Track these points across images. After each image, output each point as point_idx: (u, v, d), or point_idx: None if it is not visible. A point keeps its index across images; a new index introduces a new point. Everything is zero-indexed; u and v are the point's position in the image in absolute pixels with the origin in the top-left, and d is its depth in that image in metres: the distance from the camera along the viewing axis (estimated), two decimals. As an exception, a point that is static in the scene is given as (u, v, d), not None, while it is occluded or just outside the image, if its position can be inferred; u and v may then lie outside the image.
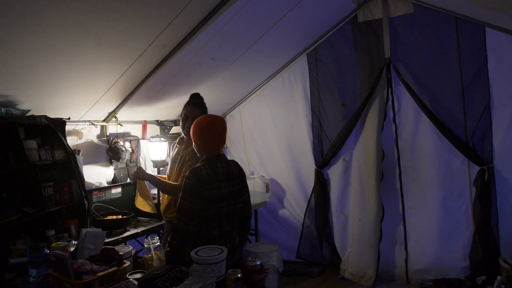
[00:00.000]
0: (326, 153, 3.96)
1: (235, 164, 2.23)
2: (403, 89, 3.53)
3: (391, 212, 3.70)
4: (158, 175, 2.83)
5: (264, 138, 4.45)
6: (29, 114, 2.63)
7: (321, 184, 4.00)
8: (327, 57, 3.89)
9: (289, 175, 4.27)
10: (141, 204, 2.88)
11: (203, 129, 2.12)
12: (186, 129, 2.59)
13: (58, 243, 2.10)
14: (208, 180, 2.03)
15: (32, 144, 2.56)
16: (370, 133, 3.66)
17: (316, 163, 4.03)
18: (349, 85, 3.80)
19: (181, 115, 2.70)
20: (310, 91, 4.03)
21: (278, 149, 4.33)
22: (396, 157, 3.65)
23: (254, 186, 4.15)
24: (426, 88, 3.42)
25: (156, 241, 2.04)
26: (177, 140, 2.74)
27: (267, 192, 4.16)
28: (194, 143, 2.18)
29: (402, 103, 3.61)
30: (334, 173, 3.98)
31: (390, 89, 3.58)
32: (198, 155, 2.22)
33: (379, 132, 3.60)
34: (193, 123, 2.18)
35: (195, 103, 2.65)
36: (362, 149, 3.74)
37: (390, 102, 3.61)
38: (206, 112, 2.62)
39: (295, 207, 4.29)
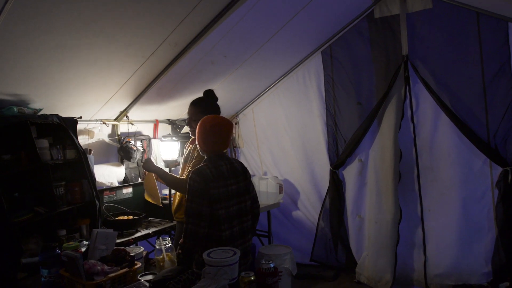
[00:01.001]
0: (341, 153, 3.94)
1: (236, 161, 2.26)
2: (421, 87, 3.48)
3: (409, 214, 3.65)
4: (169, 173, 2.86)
5: (278, 137, 4.44)
6: (41, 113, 2.67)
7: (336, 185, 3.98)
8: (342, 55, 3.86)
9: (303, 176, 4.26)
10: (151, 198, 2.93)
11: (206, 131, 2.13)
12: (190, 128, 2.62)
13: (69, 243, 2.13)
14: (212, 179, 2.04)
15: (44, 143, 2.60)
16: (387, 132, 3.63)
17: (331, 163, 4.00)
18: (365, 83, 3.76)
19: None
20: (325, 90, 4.00)
21: (292, 149, 4.32)
22: (414, 157, 3.60)
23: (267, 186, 4.14)
24: (446, 86, 3.37)
25: (168, 242, 2.04)
26: (190, 140, 2.76)
27: (280, 193, 4.15)
28: (197, 142, 2.20)
29: (421, 102, 3.56)
30: (350, 173, 3.95)
31: (407, 87, 3.54)
32: (201, 154, 2.25)
33: (396, 132, 3.56)
34: (199, 122, 2.19)
35: (193, 102, 2.66)
36: (379, 149, 3.71)
37: (407, 101, 3.57)
38: (205, 110, 2.55)
39: (309, 208, 4.27)
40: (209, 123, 2.14)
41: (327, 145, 4.03)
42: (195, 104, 2.64)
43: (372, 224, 3.75)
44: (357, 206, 3.93)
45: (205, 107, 2.60)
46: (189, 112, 2.64)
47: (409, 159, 3.62)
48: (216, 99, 2.69)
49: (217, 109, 2.69)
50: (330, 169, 4.00)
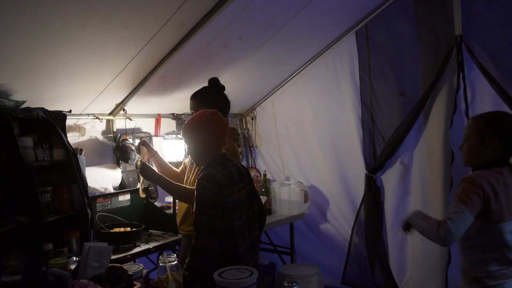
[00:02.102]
0: (379, 154, 3.91)
1: (233, 164, 2.30)
2: (478, 74, 3.40)
3: (462, 229, 3.59)
4: (168, 164, 2.88)
5: (303, 135, 4.43)
6: (24, 106, 2.70)
7: (373, 193, 3.95)
8: (381, 36, 3.82)
9: (333, 181, 4.24)
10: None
11: (211, 121, 2.19)
12: None
13: (57, 259, 2.15)
14: (227, 184, 2.07)
15: (28, 141, 2.63)
16: (435, 129, 3.57)
17: (367, 167, 3.97)
18: (408, 69, 3.72)
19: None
20: (360, 78, 3.97)
21: (320, 149, 4.31)
22: (469, 160, 3.53)
23: (290, 194, 4.13)
24: (509, 72, 3.29)
25: (173, 259, 2.05)
26: None
27: (305, 201, 4.14)
28: (194, 143, 2.22)
29: (477, 92, 3.50)
30: (390, 179, 3.91)
31: (461, 75, 3.47)
32: (198, 160, 2.25)
33: (447, 129, 3.50)
34: (193, 118, 2.25)
35: (195, 94, 2.72)
36: (426, 149, 3.66)
37: (461, 91, 3.50)
38: (212, 102, 2.61)
39: (340, 220, 4.25)
40: (207, 112, 2.23)
41: (362, 144, 4.01)
42: (199, 96, 2.68)
43: (418, 240, 3.70)
44: (398, 219, 3.87)
45: (211, 99, 2.64)
46: (192, 107, 2.66)
47: (463, 161, 3.56)
48: (223, 88, 2.70)
49: (226, 101, 2.71)
50: (366, 174, 3.97)
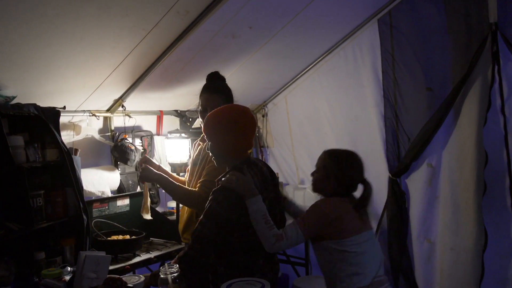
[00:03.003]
0: (404, 155, 3.88)
1: (262, 163, 2.33)
2: (516, 66, 3.39)
3: (497, 239, 3.54)
4: (176, 176, 2.88)
5: (319, 134, 4.43)
6: (14, 102, 2.73)
7: (397, 198, 3.93)
8: (406, 24, 3.79)
9: (353, 185, 4.22)
10: (141, 210, 2.94)
11: (237, 122, 2.16)
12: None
13: (50, 269, 2.17)
14: (261, 190, 2.13)
15: (18, 140, 2.65)
16: (467, 127, 3.55)
17: (390, 169, 3.95)
18: (437, 61, 3.69)
19: (198, 106, 2.74)
20: (382, 71, 3.95)
21: (338, 150, 4.28)
22: (505, 161, 3.50)
23: (305, 199, 4.13)
24: (550, 64, 3.27)
25: (175, 270, 2.06)
26: (200, 138, 2.77)
27: (322, 208, 4.13)
28: (217, 144, 2.20)
29: (515, 86, 3.47)
30: (416, 183, 3.89)
31: (496, 67, 3.44)
32: (220, 163, 2.26)
33: (480, 127, 3.47)
34: (211, 115, 2.22)
35: (214, 88, 2.69)
36: (456, 150, 3.64)
37: (496, 85, 3.47)
38: (231, 99, 2.66)
39: (360, 229, 4.22)
40: (234, 111, 2.20)
41: (384, 144, 3.99)
42: (220, 90, 2.68)
43: (447, 251, 3.69)
44: (425, 227, 3.87)
45: (227, 93, 2.67)
46: (209, 103, 2.63)
47: (498, 164, 3.53)
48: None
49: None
50: (389, 177, 3.96)
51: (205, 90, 2.72)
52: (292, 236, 2.10)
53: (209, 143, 2.23)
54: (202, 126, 2.28)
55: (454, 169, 3.66)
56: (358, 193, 2.33)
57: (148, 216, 2.92)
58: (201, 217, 2.11)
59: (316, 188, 2.34)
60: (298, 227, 2.11)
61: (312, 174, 2.35)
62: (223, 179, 2.14)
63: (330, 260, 2.20)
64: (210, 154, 2.29)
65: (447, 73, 3.65)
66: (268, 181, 2.25)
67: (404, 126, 3.89)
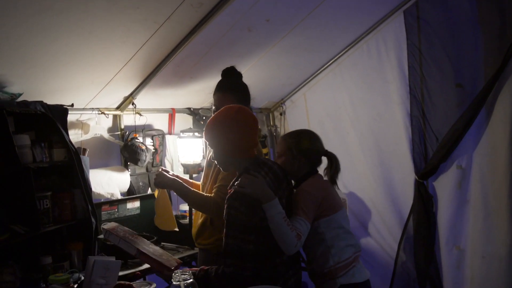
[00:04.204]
0: (431, 156, 3.85)
1: (272, 162, 2.35)
2: (554, 60, 3.35)
3: (533, 246, 3.51)
4: (191, 180, 2.89)
5: (340, 134, 4.42)
6: (20, 99, 2.76)
7: (424, 202, 3.90)
8: (435, 15, 3.76)
9: (376, 188, 4.21)
10: (161, 222, 2.96)
11: (238, 121, 2.20)
12: None
13: (57, 274, 2.19)
14: (275, 191, 2.15)
15: (24, 139, 2.67)
16: (500, 127, 3.51)
17: (417, 171, 3.92)
18: (467, 56, 3.65)
19: (212, 105, 2.75)
20: (409, 66, 3.92)
21: (361, 150, 4.30)
22: (540, 163, 3.47)
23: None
24: None
25: (188, 276, 2.06)
26: None
27: (343, 211, 4.12)
28: (219, 147, 2.23)
29: (553, 82, 3.42)
30: (444, 185, 3.86)
31: (533, 61, 3.41)
32: (225, 167, 2.29)
33: (514, 126, 3.45)
34: (208, 121, 2.26)
35: (227, 86, 2.72)
36: (488, 151, 3.60)
37: (532, 81, 3.44)
38: (246, 98, 2.69)
39: (384, 234, 4.22)
40: (232, 109, 2.24)
41: (411, 144, 3.96)
42: (233, 89, 2.70)
43: (478, 259, 3.65)
44: (454, 233, 3.83)
45: (242, 90, 2.70)
46: (221, 101, 2.65)
47: (534, 165, 3.49)
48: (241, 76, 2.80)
49: (249, 93, 2.78)
50: (416, 179, 3.93)
51: (218, 88, 2.74)
52: (304, 231, 2.20)
53: (212, 149, 2.26)
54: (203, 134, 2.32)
55: (485, 171, 3.62)
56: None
57: (174, 227, 2.98)
58: (224, 230, 2.10)
59: (290, 172, 2.47)
60: (304, 219, 2.22)
61: (277, 161, 2.50)
62: (236, 183, 2.14)
63: (322, 239, 2.35)
64: (216, 162, 2.31)
65: (478, 68, 3.61)
66: (281, 179, 2.27)
67: (431, 125, 3.86)
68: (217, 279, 2.09)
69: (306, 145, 2.49)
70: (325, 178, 2.53)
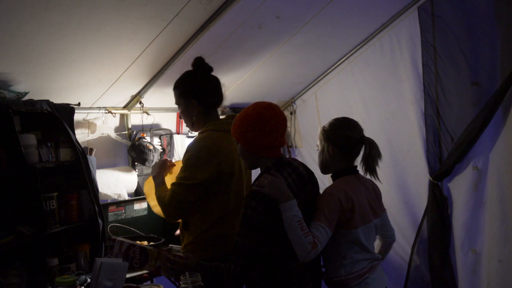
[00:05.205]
0: (446, 157, 3.84)
1: (299, 163, 2.33)
2: None
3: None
4: None
5: (352, 133, 4.39)
6: (26, 98, 2.77)
7: (439, 204, 3.89)
8: (450, 12, 3.75)
9: (389, 189, 4.17)
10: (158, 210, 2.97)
11: (261, 117, 2.15)
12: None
13: (63, 276, 2.20)
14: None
15: (31, 139, 2.69)
16: (517, 127, 3.49)
17: (431, 172, 3.91)
18: (484, 53, 3.64)
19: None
20: (423, 64, 3.91)
21: (373, 150, 4.25)
22: (560, 164, 3.45)
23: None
24: None
25: (198, 279, 2.06)
26: None
27: (355, 213, 4.11)
28: (244, 144, 2.20)
29: None
30: (459, 187, 3.85)
31: (551, 59, 3.39)
32: (251, 165, 2.28)
33: (532, 126, 3.43)
34: (237, 115, 2.23)
35: (174, 84, 2.72)
36: (505, 151, 3.59)
37: (550, 79, 3.41)
38: (189, 94, 2.62)
39: (397, 236, 4.08)
40: (260, 107, 2.18)
41: (425, 145, 3.95)
42: (176, 86, 2.72)
43: (494, 263, 3.64)
44: (470, 236, 3.82)
45: (194, 86, 2.64)
46: (175, 100, 2.73)
47: (552, 166, 3.47)
48: (210, 69, 2.70)
49: (215, 88, 2.70)
50: (430, 180, 3.92)
51: None
52: (324, 239, 2.12)
53: (239, 144, 2.23)
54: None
55: (502, 172, 3.61)
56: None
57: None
58: (239, 229, 2.10)
59: (321, 167, 2.46)
60: (324, 226, 2.14)
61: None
62: (256, 183, 2.13)
63: (337, 246, 2.27)
64: (241, 158, 2.31)
65: (495, 66, 3.59)
66: (306, 181, 2.25)
67: (446, 124, 3.84)
68: (225, 275, 2.09)
69: (336, 132, 2.38)
70: (362, 167, 2.41)
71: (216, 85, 2.69)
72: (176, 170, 2.77)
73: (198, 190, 2.43)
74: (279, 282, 2.11)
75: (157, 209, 2.86)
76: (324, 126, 2.45)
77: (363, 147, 2.41)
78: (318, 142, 2.46)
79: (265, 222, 2.04)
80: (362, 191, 2.38)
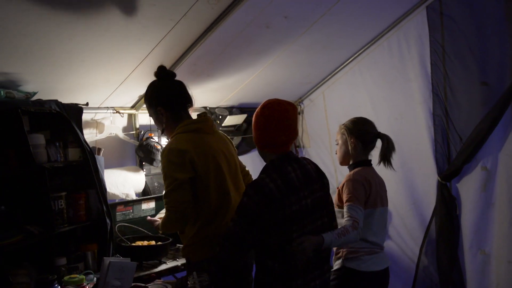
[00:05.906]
0: (455, 157, 3.83)
1: (309, 162, 2.33)
2: None
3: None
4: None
5: (360, 133, 4.39)
6: (35, 98, 2.79)
7: (447, 205, 3.88)
8: (458, 11, 3.74)
9: (397, 190, 4.17)
10: None
11: (262, 116, 2.21)
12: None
13: (71, 276, 2.21)
14: (279, 197, 2.09)
15: (39, 139, 2.71)
16: (527, 127, 3.48)
17: (440, 172, 3.91)
18: (493, 53, 3.63)
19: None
20: (431, 63, 3.90)
21: (381, 151, 4.26)
22: None
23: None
24: None
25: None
26: None
27: (363, 214, 4.12)
28: (255, 142, 2.29)
29: None
30: (468, 187, 3.84)
31: (561, 59, 3.38)
32: (264, 159, 2.31)
33: (542, 126, 3.42)
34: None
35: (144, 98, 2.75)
36: (514, 151, 3.57)
37: (560, 79, 3.40)
38: (154, 101, 2.63)
39: (405, 237, 4.20)
40: (262, 105, 2.24)
41: (433, 145, 3.95)
42: (144, 99, 2.75)
43: (504, 264, 3.63)
44: (479, 237, 3.81)
45: (158, 95, 2.64)
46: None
47: (562, 167, 3.46)
48: (173, 75, 2.70)
49: (179, 94, 2.68)
50: (438, 181, 3.91)
51: None
52: (360, 217, 2.48)
53: None
54: None
55: (511, 172, 3.60)
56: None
57: None
58: (234, 215, 2.15)
59: (341, 158, 2.90)
60: (358, 206, 2.52)
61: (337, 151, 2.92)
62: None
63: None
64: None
65: (504, 66, 3.58)
66: (313, 179, 2.25)
67: (455, 124, 3.84)
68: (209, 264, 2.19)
69: (358, 127, 2.81)
70: (379, 160, 2.85)
71: (180, 88, 2.68)
72: None
73: (187, 186, 2.41)
74: (278, 276, 2.11)
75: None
76: (345, 123, 2.88)
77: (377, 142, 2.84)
78: (339, 137, 2.89)
79: (257, 212, 2.06)
80: (376, 180, 2.78)
